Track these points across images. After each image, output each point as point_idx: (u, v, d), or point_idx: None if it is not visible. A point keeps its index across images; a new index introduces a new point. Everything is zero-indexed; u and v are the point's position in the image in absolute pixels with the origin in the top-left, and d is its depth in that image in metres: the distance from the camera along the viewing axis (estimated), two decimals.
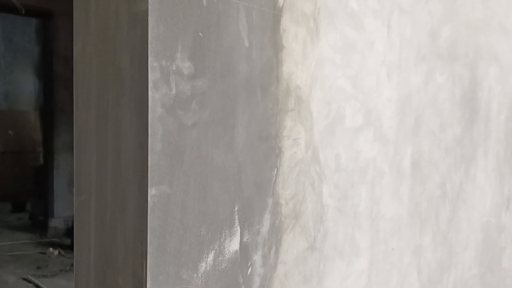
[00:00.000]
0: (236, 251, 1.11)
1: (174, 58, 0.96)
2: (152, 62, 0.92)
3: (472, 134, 2.11)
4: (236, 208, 1.10)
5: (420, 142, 1.76)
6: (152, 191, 0.94)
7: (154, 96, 0.93)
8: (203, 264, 1.04)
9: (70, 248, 5.73)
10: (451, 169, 1.98)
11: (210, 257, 1.05)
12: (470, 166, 2.13)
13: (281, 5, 1.17)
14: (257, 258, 1.16)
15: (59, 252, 5.59)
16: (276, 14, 1.16)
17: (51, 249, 5.66)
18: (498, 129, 2.29)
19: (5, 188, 7.67)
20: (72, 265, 5.26)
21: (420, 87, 1.73)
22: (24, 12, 5.34)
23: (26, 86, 8.47)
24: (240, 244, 1.12)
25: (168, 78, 0.95)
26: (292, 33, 1.21)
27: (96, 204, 1.04)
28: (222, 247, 1.08)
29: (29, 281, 4.75)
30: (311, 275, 1.33)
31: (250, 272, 1.15)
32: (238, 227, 1.11)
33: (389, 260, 1.65)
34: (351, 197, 1.45)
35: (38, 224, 6.51)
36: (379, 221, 1.59)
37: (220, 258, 1.08)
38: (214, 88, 1.03)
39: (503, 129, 2.32)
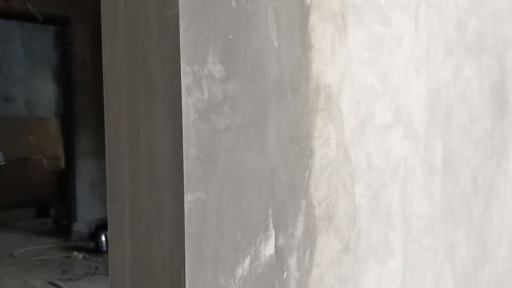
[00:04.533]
0: (271, 255, 1.10)
1: (206, 62, 0.94)
2: (184, 67, 0.91)
3: (503, 126, 2.06)
4: (270, 212, 1.09)
5: (450, 136, 1.72)
6: (188, 197, 0.92)
7: (187, 102, 0.92)
8: (240, 270, 1.03)
9: (94, 251, 5.78)
10: (482, 163, 1.94)
11: (246, 262, 1.04)
12: (502, 159, 2.08)
13: (308, 3, 1.15)
14: (292, 261, 1.15)
15: (83, 256, 5.64)
16: (304, 13, 1.14)
17: (75, 252, 5.72)
18: None
19: (28, 193, 7.77)
20: (97, 268, 5.31)
21: (449, 81, 1.70)
22: (41, 19, 5.39)
23: (46, 93, 8.57)
24: (275, 247, 1.10)
25: (200, 82, 0.94)
26: (320, 31, 1.19)
27: (130, 212, 1.03)
28: (257, 251, 1.06)
29: (55, 285, 4.81)
30: (346, 278, 1.31)
31: (286, 276, 1.13)
32: (273, 230, 1.10)
33: (423, 258, 1.62)
34: (383, 196, 1.43)
35: (62, 228, 6.58)
36: (412, 219, 1.56)
37: (256, 263, 1.06)
38: (245, 90, 1.02)
39: None
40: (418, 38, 1.52)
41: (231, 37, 0.98)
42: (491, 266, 2.05)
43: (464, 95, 1.78)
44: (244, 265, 1.04)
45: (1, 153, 7.03)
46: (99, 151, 6.08)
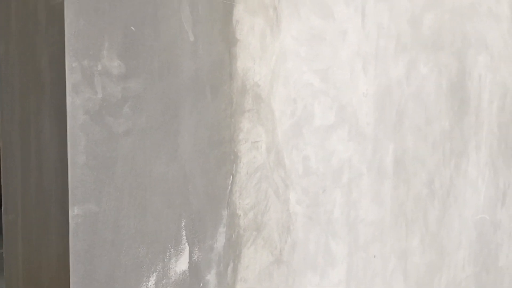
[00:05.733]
0: (184, 271, 0.99)
1: (100, 57, 0.83)
2: (70, 63, 0.80)
3: (463, 126, 1.98)
4: (183, 224, 0.98)
5: (403, 138, 1.63)
6: (74, 211, 0.82)
7: (75, 102, 0.81)
8: None
9: None
10: (440, 165, 1.86)
11: (152, 280, 0.94)
12: (461, 161, 2.00)
13: None
14: (210, 277, 1.05)
15: None
16: (227, 4, 1.04)
17: None
18: (491, 120, 2.16)
19: None
20: None
21: (402, 79, 1.60)
22: None
23: None
24: (189, 263, 1.00)
25: (92, 79, 0.83)
26: (248, 25, 1.08)
27: (22, 225, 0.92)
28: (166, 268, 0.96)
29: None
30: None
31: None
32: (186, 244, 0.99)
33: (371, 267, 1.53)
34: (323, 202, 1.33)
35: None
36: (358, 226, 1.46)
37: (164, 281, 0.96)
38: (151, 89, 0.91)
39: (496, 120, 2.20)
40: (365, 33, 1.43)
41: (134, 29, 0.87)
42: (450, 272, 1.97)
43: (419, 94, 1.69)
44: (149, 284, 0.93)
45: None
46: None
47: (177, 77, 0.95)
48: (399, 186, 1.63)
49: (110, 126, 0.86)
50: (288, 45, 1.19)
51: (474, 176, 2.11)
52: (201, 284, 1.03)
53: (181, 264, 0.99)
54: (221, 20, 1.03)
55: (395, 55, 1.56)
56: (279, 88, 1.18)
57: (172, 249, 0.97)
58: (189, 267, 1.00)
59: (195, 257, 1.01)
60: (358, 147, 1.44)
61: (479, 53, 2.05)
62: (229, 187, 1.08)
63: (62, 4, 0.79)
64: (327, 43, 1.30)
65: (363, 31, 1.42)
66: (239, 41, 1.07)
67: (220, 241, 1.06)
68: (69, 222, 0.81)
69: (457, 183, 1.98)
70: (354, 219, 1.45)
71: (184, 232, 0.99)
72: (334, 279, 1.39)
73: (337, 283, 1.40)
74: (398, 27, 1.56)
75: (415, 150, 1.70)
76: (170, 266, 0.97)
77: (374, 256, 1.54)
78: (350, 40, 1.37)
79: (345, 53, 1.36)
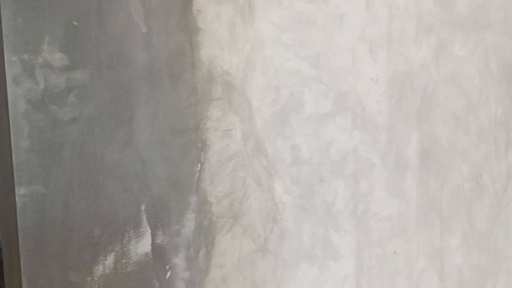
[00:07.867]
0: (146, 253, 1.03)
1: (40, 51, 0.91)
2: (9, 57, 0.89)
3: None
4: (143, 208, 1.03)
5: (432, 127, 1.51)
6: (20, 191, 0.90)
7: (16, 92, 0.90)
8: (100, 267, 0.98)
9: None
10: (491, 157, 1.68)
11: (110, 259, 0.99)
12: None
13: None
14: (178, 261, 1.07)
15: None
16: None
17: None
18: None
19: None
20: None
21: (428, 62, 1.49)
22: None
23: None
24: (152, 246, 1.04)
25: (33, 72, 0.91)
26: (212, 13, 1.10)
27: None
28: (126, 249, 1.01)
29: None
30: (263, 281, 1.20)
31: (169, 276, 1.07)
32: (148, 227, 1.04)
33: (389, 264, 1.43)
34: (320, 193, 1.28)
35: None
36: (370, 220, 1.38)
37: (124, 261, 1.01)
38: (99, 79, 0.97)
39: None
40: (371, 16, 1.35)
41: (76, 23, 0.94)
42: (510, 277, 1.76)
43: (455, 78, 1.56)
44: (106, 263, 0.99)
45: None
46: None
47: (128, 68, 1.00)
48: (428, 180, 1.51)
49: (55, 114, 0.93)
50: (265, 32, 1.18)
51: None
52: (167, 267, 1.06)
53: (143, 246, 1.03)
54: (179, 11, 1.06)
55: (416, 37, 1.46)
56: (256, 76, 1.17)
57: (131, 231, 1.02)
58: (152, 250, 1.04)
59: (158, 240, 1.05)
60: (367, 136, 1.36)
61: None
62: (197, 174, 1.10)
63: None
64: (317, 29, 1.26)
65: (368, 14, 1.35)
66: (202, 30, 1.09)
67: (189, 227, 1.09)
68: (16, 201, 0.90)
69: None
70: (364, 213, 1.37)
71: (144, 216, 1.03)
72: (339, 273, 1.33)
73: (343, 277, 1.34)
74: (419, 7, 1.45)
75: (451, 140, 1.56)
76: (130, 247, 1.02)
77: (395, 253, 1.44)
78: (349, 24, 1.31)
79: (343, 38, 1.30)
